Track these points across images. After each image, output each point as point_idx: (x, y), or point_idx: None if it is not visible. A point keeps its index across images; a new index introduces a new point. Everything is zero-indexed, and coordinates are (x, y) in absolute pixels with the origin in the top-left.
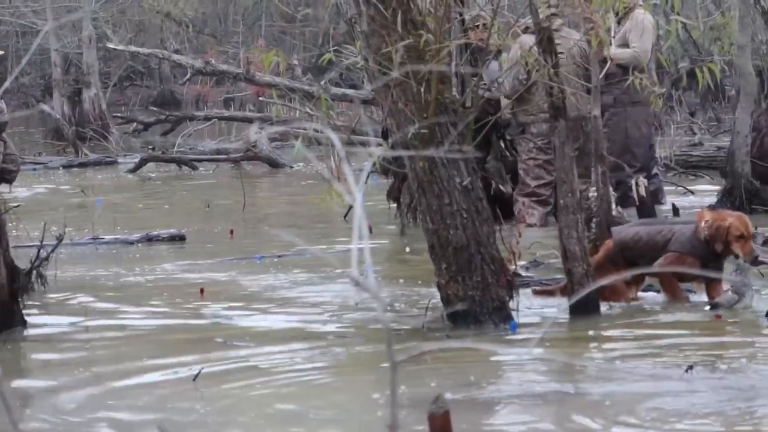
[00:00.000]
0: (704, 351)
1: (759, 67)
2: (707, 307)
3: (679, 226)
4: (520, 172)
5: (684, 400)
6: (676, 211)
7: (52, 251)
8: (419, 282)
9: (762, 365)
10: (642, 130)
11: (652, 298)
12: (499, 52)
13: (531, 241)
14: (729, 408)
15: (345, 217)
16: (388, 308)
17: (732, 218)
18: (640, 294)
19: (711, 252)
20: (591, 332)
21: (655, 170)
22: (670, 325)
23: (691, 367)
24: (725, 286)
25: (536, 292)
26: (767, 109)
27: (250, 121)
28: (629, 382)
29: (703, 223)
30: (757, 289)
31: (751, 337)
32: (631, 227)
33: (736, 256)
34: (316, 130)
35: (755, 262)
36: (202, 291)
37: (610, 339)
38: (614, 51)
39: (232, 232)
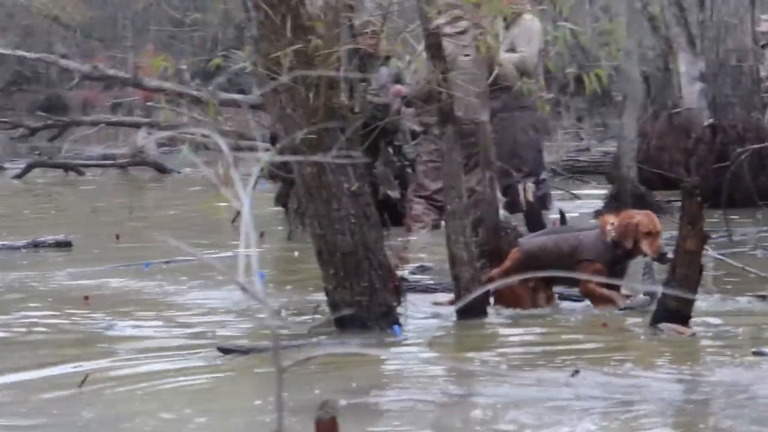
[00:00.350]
0: (590, 355)
1: (645, 72)
2: (618, 311)
3: (585, 233)
4: (419, 173)
5: (568, 404)
6: (563, 216)
7: None
8: (307, 287)
9: (646, 370)
10: (530, 135)
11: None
12: (387, 57)
13: (419, 247)
14: (613, 412)
15: (233, 222)
16: (276, 313)
17: (640, 215)
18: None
19: (617, 255)
20: (478, 337)
21: (543, 175)
22: (557, 330)
23: (577, 372)
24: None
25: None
26: (653, 115)
27: (137, 126)
28: (514, 387)
29: (609, 226)
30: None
31: (637, 341)
32: (537, 237)
33: (645, 255)
34: (204, 135)
35: (662, 259)
36: (86, 297)
37: (497, 344)
38: (502, 56)
39: (118, 236)
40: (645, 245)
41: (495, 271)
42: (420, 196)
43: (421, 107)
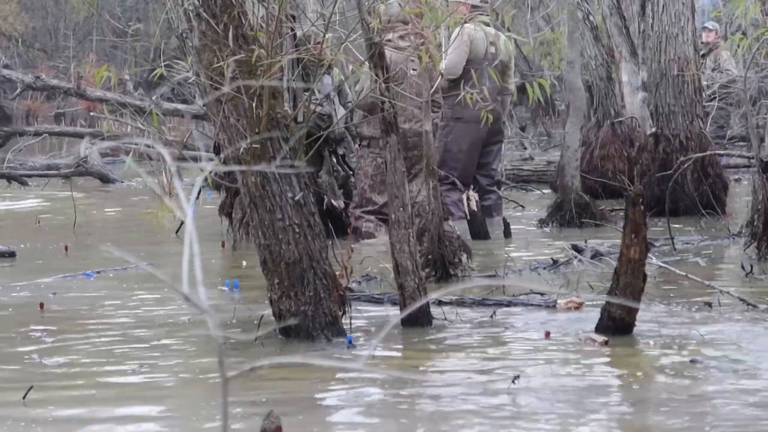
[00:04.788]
0: (532, 363)
1: (588, 82)
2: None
3: None
4: (365, 187)
5: (509, 411)
6: (507, 225)
7: None
8: (252, 297)
9: (585, 377)
10: (461, 147)
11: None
12: (330, 66)
13: (363, 256)
14: (556, 415)
15: (177, 232)
16: (220, 323)
17: None
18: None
19: None
20: (423, 345)
21: (493, 187)
22: (500, 338)
23: (517, 377)
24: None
25: None
26: (596, 124)
27: (81, 136)
28: (458, 394)
29: None
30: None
31: (576, 349)
32: None
33: None
34: (147, 145)
35: None
36: (41, 305)
37: (441, 352)
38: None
39: (66, 248)
40: None
41: None
42: (368, 211)
43: (365, 117)
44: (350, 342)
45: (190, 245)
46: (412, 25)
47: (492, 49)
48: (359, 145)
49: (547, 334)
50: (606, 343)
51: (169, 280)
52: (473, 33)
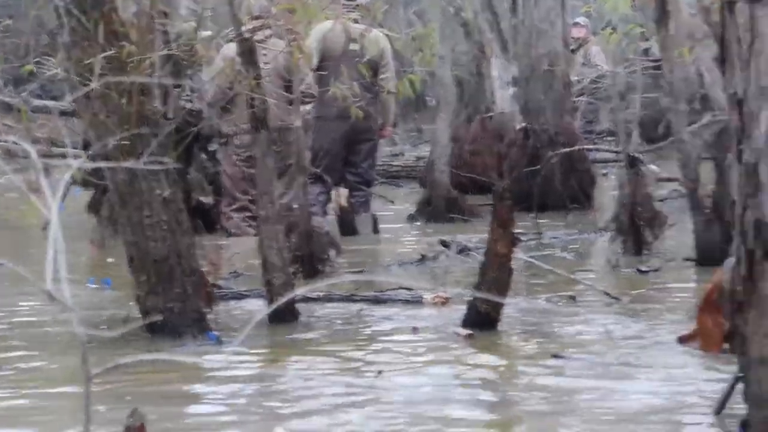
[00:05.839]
0: (399, 357)
1: (459, 77)
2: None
3: None
4: (227, 184)
5: (374, 406)
6: (375, 221)
7: None
8: (119, 294)
9: (451, 371)
10: (323, 144)
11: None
12: (200, 64)
13: (232, 253)
14: (421, 409)
15: (43, 229)
16: (86, 321)
17: None
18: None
19: None
20: (289, 342)
21: (362, 184)
22: (366, 334)
23: (381, 372)
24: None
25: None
26: (466, 119)
27: None
28: (324, 390)
29: None
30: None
31: (442, 344)
32: None
33: None
34: (15, 143)
35: None
36: None
37: (307, 349)
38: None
39: None
40: None
41: None
42: (235, 209)
43: (223, 115)
44: (216, 338)
45: (54, 242)
46: (284, 21)
47: (355, 46)
48: (219, 144)
49: (414, 329)
50: (471, 336)
51: (32, 277)
52: (326, 30)
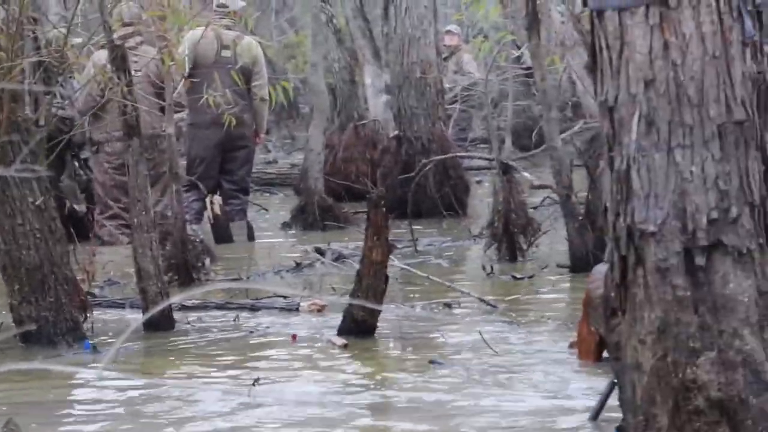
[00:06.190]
0: (274, 365)
1: (332, 84)
2: None
3: None
4: (99, 192)
5: (250, 414)
6: (250, 228)
7: None
8: None
9: (324, 378)
10: (198, 152)
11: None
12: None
13: (106, 261)
14: (298, 418)
15: None
16: None
17: None
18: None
19: None
20: (165, 349)
21: (238, 192)
22: (245, 342)
23: (257, 380)
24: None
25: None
26: (340, 127)
27: None
28: (201, 398)
29: None
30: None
31: (320, 350)
32: None
33: None
34: None
35: None
36: None
37: (184, 357)
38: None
39: None
40: None
41: None
42: (108, 217)
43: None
44: (91, 347)
45: None
46: (155, 28)
47: (228, 53)
48: (92, 152)
49: (294, 337)
50: (346, 346)
51: None
52: (198, 37)
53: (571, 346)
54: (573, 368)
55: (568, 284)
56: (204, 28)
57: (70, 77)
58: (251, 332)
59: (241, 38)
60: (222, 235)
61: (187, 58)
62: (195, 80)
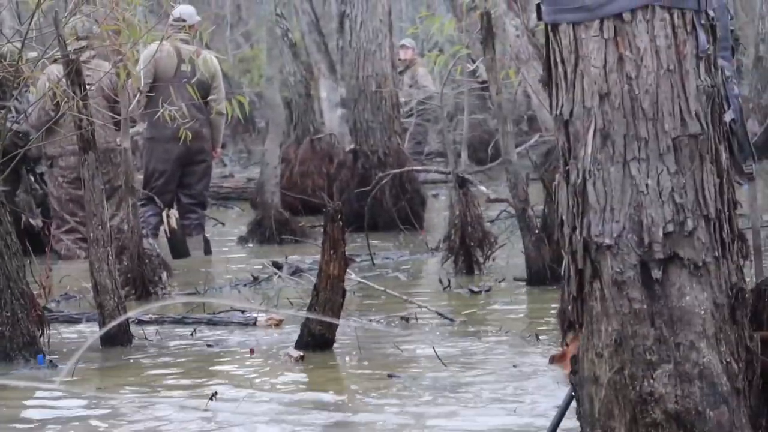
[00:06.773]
0: (231, 379)
1: (287, 98)
2: None
3: None
4: (55, 207)
5: (207, 429)
6: (207, 243)
7: None
8: None
9: (283, 392)
10: (157, 166)
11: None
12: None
13: (62, 275)
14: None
15: None
16: None
17: None
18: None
19: None
20: (123, 364)
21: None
22: (204, 356)
23: (215, 394)
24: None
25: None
26: (296, 141)
27: None
28: (157, 413)
29: None
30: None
31: (277, 364)
32: None
33: None
34: None
35: None
36: None
37: (141, 371)
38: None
39: None
40: None
41: None
42: (65, 231)
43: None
44: (48, 362)
45: None
46: (110, 42)
47: (186, 68)
48: (46, 166)
49: (252, 351)
50: (302, 358)
51: None
52: (157, 51)
53: (552, 361)
54: (531, 381)
55: (525, 297)
56: (161, 43)
57: (25, 91)
58: (209, 346)
59: (199, 53)
60: (179, 249)
61: (146, 73)
62: (153, 95)
